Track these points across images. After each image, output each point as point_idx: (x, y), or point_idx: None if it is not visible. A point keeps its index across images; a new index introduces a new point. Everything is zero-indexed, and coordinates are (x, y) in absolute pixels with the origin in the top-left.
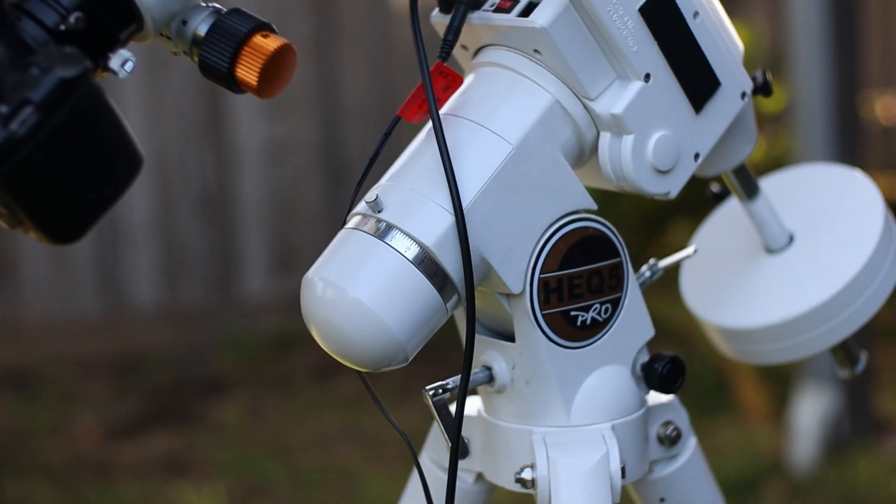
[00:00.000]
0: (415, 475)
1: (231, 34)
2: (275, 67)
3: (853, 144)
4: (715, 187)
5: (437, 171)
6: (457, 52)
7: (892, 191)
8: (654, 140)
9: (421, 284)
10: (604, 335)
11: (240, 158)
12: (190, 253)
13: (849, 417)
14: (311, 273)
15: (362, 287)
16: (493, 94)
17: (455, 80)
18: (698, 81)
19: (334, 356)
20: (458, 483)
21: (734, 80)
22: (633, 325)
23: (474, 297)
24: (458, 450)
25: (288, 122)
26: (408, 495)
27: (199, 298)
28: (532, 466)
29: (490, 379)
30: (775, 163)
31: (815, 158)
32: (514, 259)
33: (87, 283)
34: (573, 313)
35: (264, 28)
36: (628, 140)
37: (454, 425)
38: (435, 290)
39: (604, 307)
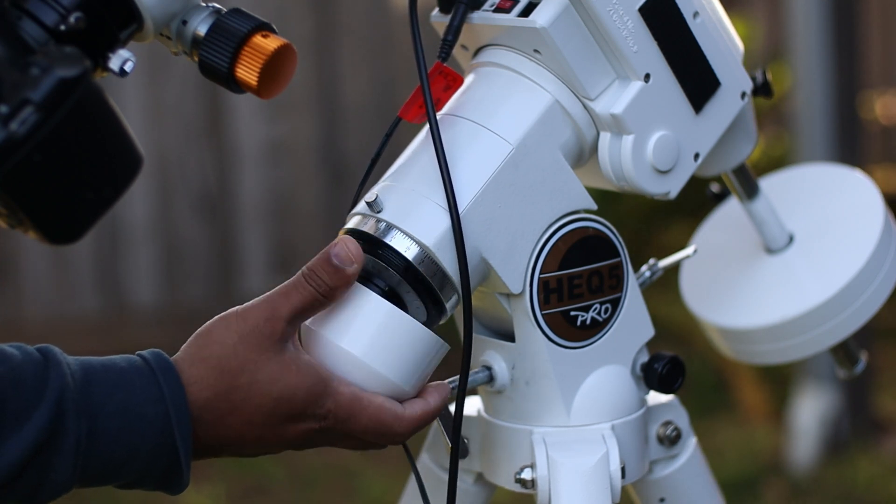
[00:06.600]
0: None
1: (231, 34)
2: (275, 67)
3: (853, 143)
4: (715, 187)
5: (436, 171)
6: (457, 52)
7: (889, 184)
8: (653, 140)
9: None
10: (604, 335)
11: (240, 158)
12: (190, 252)
13: (848, 417)
14: None
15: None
16: (493, 93)
17: (455, 80)
18: (698, 81)
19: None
20: (458, 483)
21: (734, 80)
22: (632, 325)
23: (471, 299)
24: (458, 450)
25: (288, 122)
26: (408, 495)
27: (198, 298)
28: (532, 466)
29: (490, 379)
30: (775, 163)
31: (815, 158)
32: (513, 259)
33: (87, 283)
34: (573, 313)
35: (264, 28)
36: (628, 140)
37: (454, 424)
38: (431, 332)
39: (604, 307)
